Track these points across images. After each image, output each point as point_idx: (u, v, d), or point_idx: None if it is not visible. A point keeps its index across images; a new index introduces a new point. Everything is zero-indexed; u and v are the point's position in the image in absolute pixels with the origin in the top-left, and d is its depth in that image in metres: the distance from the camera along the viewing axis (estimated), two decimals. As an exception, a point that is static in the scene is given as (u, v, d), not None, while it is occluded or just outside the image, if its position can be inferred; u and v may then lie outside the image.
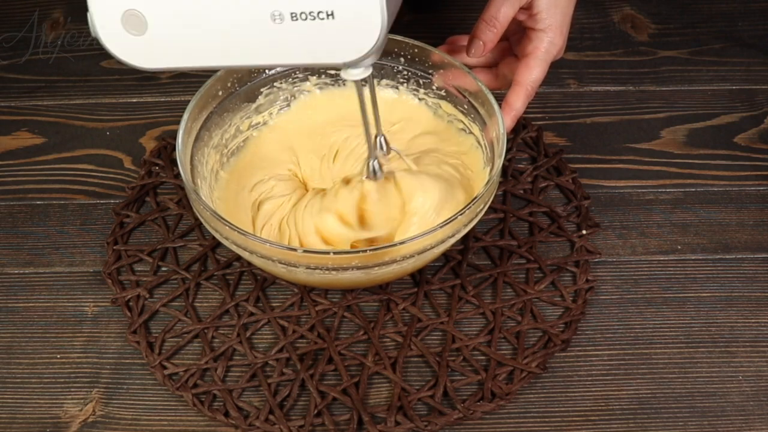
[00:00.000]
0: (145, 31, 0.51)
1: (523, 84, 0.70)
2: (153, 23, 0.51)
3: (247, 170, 0.75)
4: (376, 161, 0.67)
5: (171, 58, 0.53)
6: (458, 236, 0.65)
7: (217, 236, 0.66)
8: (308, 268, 0.63)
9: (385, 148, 0.69)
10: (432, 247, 0.63)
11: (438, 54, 0.73)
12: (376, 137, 0.68)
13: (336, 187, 0.70)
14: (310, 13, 0.49)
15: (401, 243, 0.62)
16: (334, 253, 0.63)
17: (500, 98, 0.70)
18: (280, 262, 0.63)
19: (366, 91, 0.62)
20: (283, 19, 0.49)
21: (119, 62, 0.54)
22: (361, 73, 0.56)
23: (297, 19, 0.49)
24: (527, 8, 0.69)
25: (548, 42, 0.69)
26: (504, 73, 0.74)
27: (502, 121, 0.68)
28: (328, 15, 0.49)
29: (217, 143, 0.73)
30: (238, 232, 0.62)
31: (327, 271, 0.63)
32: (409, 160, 0.71)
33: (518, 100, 0.69)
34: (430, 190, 0.68)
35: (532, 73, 0.70)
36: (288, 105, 0.77)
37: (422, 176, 0.69)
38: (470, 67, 0.73)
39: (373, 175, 0.67)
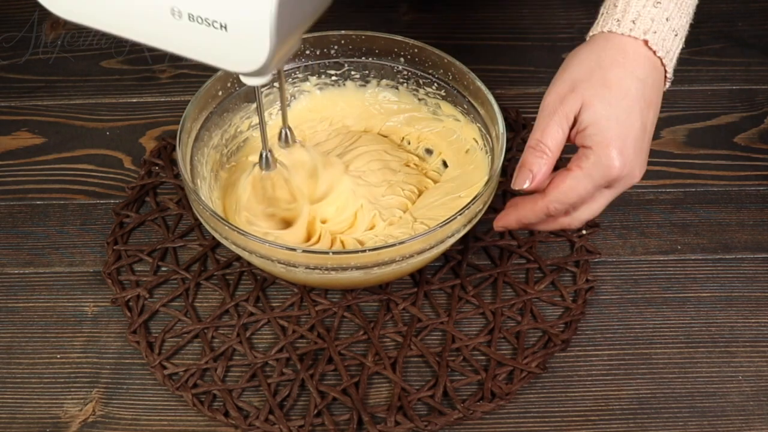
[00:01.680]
0: None
1: (545, 199, 0.59)
2: None
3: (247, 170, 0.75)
4: (269, 152, 0.66)
5: (76, 11, 0.54)
6: (458, 236, 0.65)
7: (217, 236, 0.66)
8: (307, 268, 0.63)
9: (289, 139, 0.69)
10: (431, 247, 0.63)
11: (438, 54, 0.73)
12: (281, 130, 0.68)
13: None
14: (205, 19, 0.50)
15: (401, 243, 0.62)
16: (334, 253, 0.63)
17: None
18: (279, 262, 0.63)
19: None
20: (182, 16, 0.51)
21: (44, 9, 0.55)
22: (257, 81, 0.57)
23: (193, 21, 0.51)
24: (575, 124, 0.59)
25: (594, 161, 0.58)
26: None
27: (503, 121, 0.67)
28: (221, 26, 0.50)
29: (217, 143, 0.74)
30: (238, 232, 0.62)
31: (326, 271, 0.63)
32: (313, 151, 0.71)
33: (530, 211, 0.60)
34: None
35: (559, 189, 0.59)
36: (288, 105, 0.77)
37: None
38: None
39: (265, 165, 0.67)
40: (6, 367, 0.69)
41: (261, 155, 0.66)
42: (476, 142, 0.74)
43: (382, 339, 0.70)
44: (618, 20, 0.59)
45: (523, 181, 0.59)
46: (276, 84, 0.75)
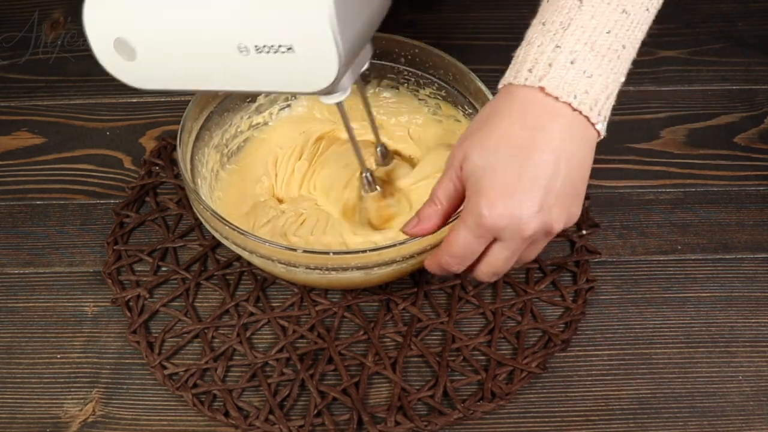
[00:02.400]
0: (135, 58, 0.56)
1: (438, 251, 0.59)
2: (140, 52, 0.56)
3: (248, 170, 0.75)
4: (368, 173, 0.67)
5: (158, 81, 0.58)
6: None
7: (217, 236, 0.66)
8: (308, 268, 0.63)
9: (386, 158, 0.70)
10: (432, 248, 0.63)
11: (438, 54, 0.73)
12: (376, 147, 0.69)
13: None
14: (271, 46, 0.52)
15: (401, 243, 0.61)
16: (334, 253, 0.63)
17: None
18: (280, 262, 0.63)
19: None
20: (249, 51, 0.53)
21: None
22: (336, 98, 0.58)
23: (261, 52, 0.52)
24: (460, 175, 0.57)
25: (469, 210, 0.56)
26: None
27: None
28: (288, 49, 0.52)
29: (218, 143, 0.74)
30: (238, 231, 0.62)
31: (326, 271, 0.63)
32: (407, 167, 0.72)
33: (429, 261, 0.60)
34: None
35: (445, 241, 0.58)
36: (288, 105, 0.77)
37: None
38: None
39: (368, 186, 0.68)
40: (6, 367, 0.69)
41: (362, 176, 0.67)
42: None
43: (382, 339, 0.70)
44: (516, 71, 0.56)
45: (408, 225, 0.60)
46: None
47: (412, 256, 0.63)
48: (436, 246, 0.63)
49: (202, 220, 0.66)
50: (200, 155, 0.71)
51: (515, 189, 0.54)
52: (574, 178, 0.55)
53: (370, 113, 0.67)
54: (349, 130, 0.63)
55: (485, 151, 0.55)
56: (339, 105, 0.60)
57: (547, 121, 0.54)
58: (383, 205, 0.70)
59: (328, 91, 0.54)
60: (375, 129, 0.68)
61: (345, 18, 0.50)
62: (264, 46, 0.52)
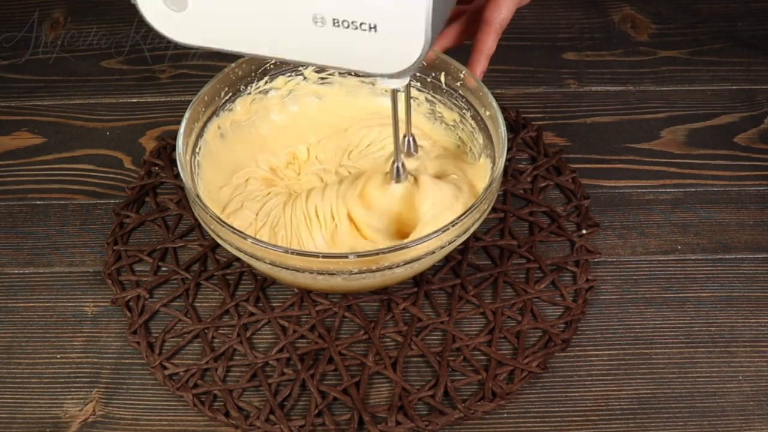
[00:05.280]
0: (185, 9, 0.51)
1: (493, 23, 0.69)
2: (193, 2, 0.51)
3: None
4: (401, 163, 0.67)
5: (207, 37, 0.53)
6: (462, 239, 0.65)
7: (217, 239, 0.65)
8: (311, 273, 0.63)
9: (413, 147, 0.69)
10: (434, 252, 0.63)
11: (438, 54, 0.73)
12: (404, 137, 0.68)
13: (362, 181, 0.70)
14: (352, 22, 0.49)
15: (406, 247, 0.61)
16: (325, 256, 0.62)
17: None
18: (275, 265, 0.63)
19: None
20: (325, 23, 0.49)
21: (157, 33, 0.53)
22: (399, 83, 0.56)
23: (339, 26, 0.49)
24: None
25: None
26: (468, 19, 0.73)
27: (503, 121, 0.67)
28: (370, 27, 0.49)
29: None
30: (238, 234, 0.62)
31: (330, 276, 0.63)
32: (428, 160, 0.71)
33: (490, 39, 0.69)
34: (441, 200, 0.68)
35: (501, 11, 0.68)
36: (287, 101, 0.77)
37: (442, 185, 0.68)
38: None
39: (396, 176, 0.67)
40: (6, 367, 0.69)
41: (395, 166, 0.66)
42: (476, 142, 0.74)
43: (383, 339, 0.70)
44: None
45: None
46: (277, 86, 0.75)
47: (420, 258, 0.63)
48: (440, 250, 0.63)
49: (202, 221, 0.66)
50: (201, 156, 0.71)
51: None
52: None
53: (407, 101, 0.66)
54: (395, 119, 0.62)
55: None
56: (395, 90, 0.59)
57: None
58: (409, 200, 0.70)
59: (403, 74, 0.51)
60: (409, 117, 0.67)
61: (437, 2, 0.48)
62: (344, 21, 0.48)
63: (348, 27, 0.49)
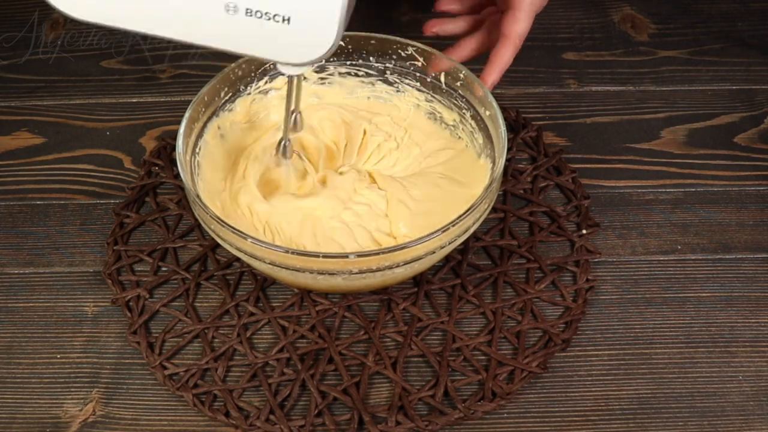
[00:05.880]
0: None
1: (511, 36, 0.70)
2: None
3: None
4: (288, 141, 0.68)
5: (111, 15, 0.51)
6: (462, 239, 0.65)
7: (217, 239, 0.65)
8: (311, 273, 0.63)
9: (299, 124, 0.69)
10: (434, 252, 0.64)
11: (437, 54, 0.73)
12: (293, 113, 0.68)
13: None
14: (266, 13, 0.49)
15: (408, 246, 0.61)
16: (324, 256, 0.63)
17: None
18: (275, 265, 0.63)
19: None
20: (237, 11, 0.49)
21: (53, 8, 0.51)
22: (303, 70, 0.57)
23: (251, 16, 0.49)
24: None
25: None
26: (490, 31, 0.75)
27: (503, 121, 0.68)
28: (284, 19, 0.49)
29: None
30: (238, 234, 0.62)
31: (330, 276, 0.63)
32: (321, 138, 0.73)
33: (506, 53, 0.70)
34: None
35: (519, 25, 0.69)
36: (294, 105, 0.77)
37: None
38: (457, 38, 0.74)
39: (283, 152, 0.69)
40: (6, 367, 0.69)
41: (281, 143, 0.67)
42: (476, 142, 0.74)
43: (383, 339, 0.70)
44: None
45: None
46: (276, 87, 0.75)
47: (420, 258, 0.63)
48: (440, 249, 0.64)
49: (201, 222, 0.66)
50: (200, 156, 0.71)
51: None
52: None
53: (299, 82, 0.66)
54: (288, 102, 0.64)
55: None
56: (293, 77, 0.60)
57: None
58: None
59: (314, 63, 0.52)
60: (298, 96, 0.67)
61: None
62: (257, 11, 0.49)
63: (261, 17, 0.49)
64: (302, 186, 0.72)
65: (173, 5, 0.50)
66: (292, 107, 0.66)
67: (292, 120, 0.68)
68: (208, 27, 0.50)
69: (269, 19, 0.49)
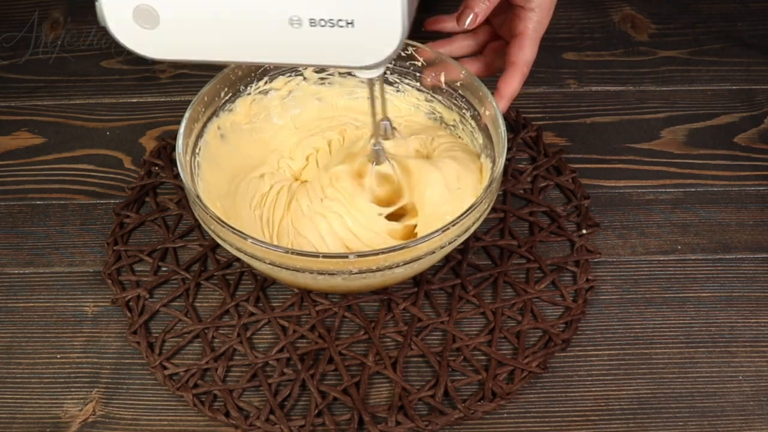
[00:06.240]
0: (157, 26, 0.51)
1: (518, 64, 0.70)
2: (165, 18, 0.51)
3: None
4: (380, 146, 0.67)
5: (183, 51, 0.53)
6: (462, 239, 0.65)
7: (217, 239, 0.65)
8: (311, 273, 0.63)
9: (390, 131, 0.69)
10: (434, 252, 0.63)
11: (437, 54, 0.73)
12: (381, 121, 0.68)
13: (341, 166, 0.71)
14: (329, 20, 0.49)
15: (406, 247, 0.61)
16: (323, 256, 0.63)
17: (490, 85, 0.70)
18: (275, 265, 0.63)
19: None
20: (302, 24, 0.50)
21: (128, 51, 0.54)
22: (376, 72, 0.57)
23: (315, 25, 0.50)
24: None
25: (537, 21, 0.70)
26: (491, 59, 0.75)
27: (503, 121, 0.68)
28: (347, 23, 0.49)
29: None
30: (238, 235, 0.62)
31: (330, 276, 0.63)
32: (414, 142, 0.72)
33: (515, 81, 0.70)
34: (435, 180, 0.68)
35: (526, 53, 0.70)
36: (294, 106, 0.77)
37: (430, 164, 0.69)
38: (456, 58, 0.73)
39: (376, 158, 0.68)
40: (6, 367, 0.69)
41: (373, 149, 0.67)
42: (476, 142, 0.74)
43: (383, 339, 0.70)
44: None
45: (468, 21, 0.69)
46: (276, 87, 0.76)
47: (419, 258, 0.63)
48: (440, 249, 0.63)
49: (201, 222, 0.66)
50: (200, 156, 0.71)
51: (555, 3, 0.71)
52: None
53: (381, 87, 0.67)
54: (372, 105, 0.64)
55: None
56: (371, 79, 0.60)
57: None
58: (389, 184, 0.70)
59: (381, 65, 0.52)
60: (383, 101, 0.68)
61: None
62: (321, 20, 0.49)
63: (324, 25, 0.49)
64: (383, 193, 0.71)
65: (240, 31, 0.51)
66: (378, 114, 0.66)
67: (383, 128, 0.68)
68: (276, 45, 0.51)
69: (333, 26, 0.49)
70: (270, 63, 0.52)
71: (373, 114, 0.65)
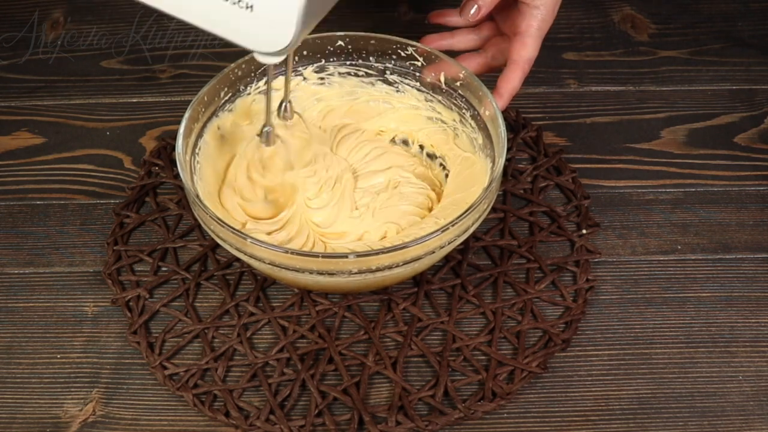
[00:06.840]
0: None
1: (519, 62, 0.70)
2: None
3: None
4: (270, 128, 0.68)
5: None
6: (462, 238, 0.65)
7: (216, 239, 0.65)
8: (311, 273, 0.63)
9: (289, 112, 0.70)
10: (434, 252, 0.64)
11: (437, 54, 0.73)
12: (281, 103, 0.69)
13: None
14: None
15: (406, 246, 0.61)
16: (323, 256, 0.63)
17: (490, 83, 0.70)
18: (275, 265, 0.63)
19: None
20: None
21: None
22: (274, 59, 0.57)
23: (227, 0, 0.52)
24: None
25: (541, 19, 0.70)
26: (493, 55, 0.75)
27: (503, 121, 0.68)
28: (248, 6, 0.51)
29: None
30: (238, 235, 0.62)
31: (329, 276, 0.63)
32: (311, 126, 0.73)
33: (515, 78, 0.70)
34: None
35: (527, 50, 0.70)
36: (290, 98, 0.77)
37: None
38: (456, 54, 0.73)
39: (265, 139, 0.69)
40: (6, 367, 0.69)
41: (263, 130, 0.67)
42: (476, 142, 0.74)
43: (383, 339, 0.70)
44: None
45: (471, 13, 0.70)
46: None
47: (420, 258, 0.63)
48: (440, 249, 0.63)
49: (201, 222, 0.66)
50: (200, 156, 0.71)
51: (560, 2, 0.72)
52: None
53: (288, 68, 0.68)
54: (269, 90, 0.65)
55: None
56: (269, 66, 0.61)
57: None
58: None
59: (278, 54, 0.54)
60: (287, 84, 0.69)
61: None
62: None
63: (234, 3, 0.51)
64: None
65: None
66: (281, 96, 0.67)
67: (283, 108, 0.69)
68: (197, 6, 0.53)
69: (234, 3, 0.51)
70: (188, 22, 0.53)
71: (269, 99, 0.65)
